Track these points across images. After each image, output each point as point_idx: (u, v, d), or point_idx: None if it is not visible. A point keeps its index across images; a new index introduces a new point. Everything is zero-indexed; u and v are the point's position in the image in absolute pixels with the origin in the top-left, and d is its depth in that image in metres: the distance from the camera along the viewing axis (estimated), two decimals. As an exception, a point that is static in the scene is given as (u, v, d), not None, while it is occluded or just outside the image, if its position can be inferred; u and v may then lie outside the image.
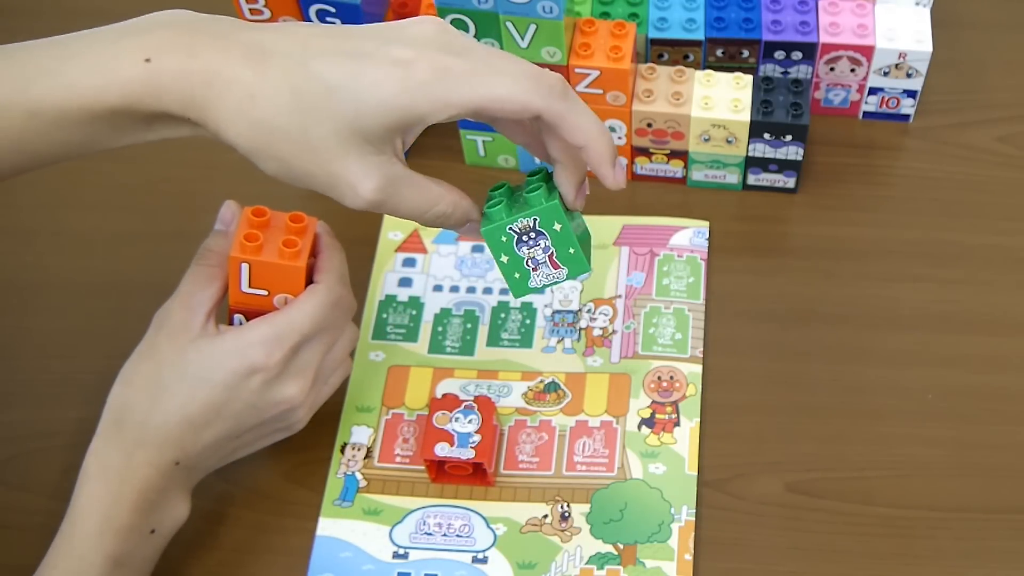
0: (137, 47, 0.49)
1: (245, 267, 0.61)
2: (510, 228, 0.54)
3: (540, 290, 0.57)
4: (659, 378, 0.72)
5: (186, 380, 0.59)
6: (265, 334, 0.60)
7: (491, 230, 0.56)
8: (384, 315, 0.75)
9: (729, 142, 0.77)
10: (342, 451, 0.70)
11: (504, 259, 0.56)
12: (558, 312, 0.75)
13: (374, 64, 0.49)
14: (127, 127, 0.52)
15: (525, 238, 0.55)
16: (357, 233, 0.79)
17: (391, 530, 0.68)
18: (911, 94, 0.81)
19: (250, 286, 0.61)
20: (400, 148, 0.54)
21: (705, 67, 0.81)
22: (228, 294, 0.63)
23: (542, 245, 0.55)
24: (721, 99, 0.75)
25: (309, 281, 0.63)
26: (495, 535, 0.67)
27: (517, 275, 0.57)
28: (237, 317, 0.63)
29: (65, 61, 0.51)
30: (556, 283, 0.57)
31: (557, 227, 0.55)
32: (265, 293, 0.62)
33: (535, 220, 0.54)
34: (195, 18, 0.52)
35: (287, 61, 0.49)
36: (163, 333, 0.60)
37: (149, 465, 0.59)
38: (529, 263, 0.56)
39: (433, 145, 0.83)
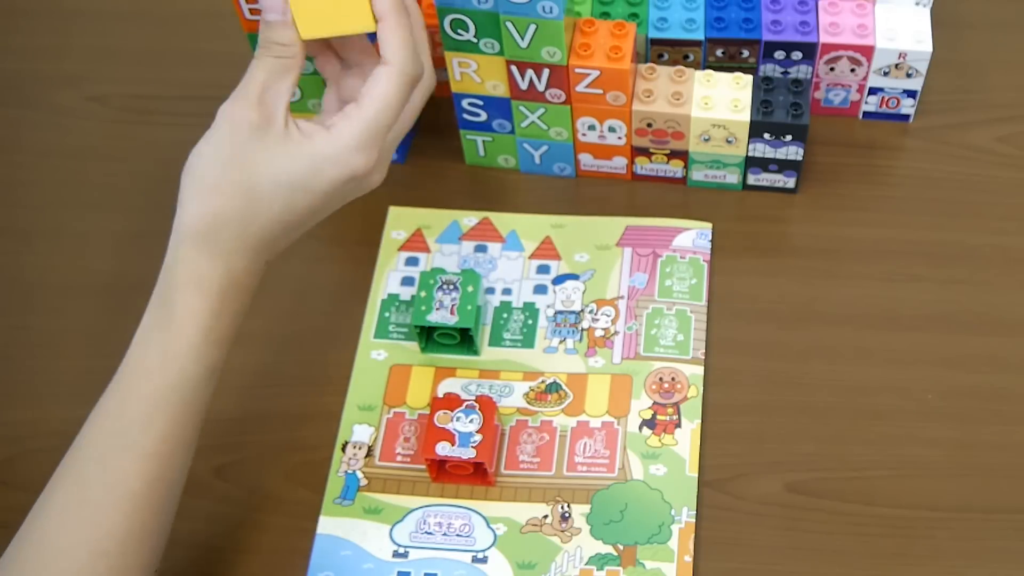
0: None
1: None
2: (440, 277, 0.72)
3: (431, 324, 0.71)
4: (660, 379, 0.72)
5: (282, 188, 0.57)
6: (361, 138, 0.57)
7: (428, 273, 0.73)
8: (386, 314, 0.76)
9: (729, 142, 0.77)
10: (343, 449, 0.71)
11: (423, 294, 0.72)
12: (560, 313, 0.75)
13: None
14: None
15: (446, 287, 0.72)
16: (359, 233, 0.80)
17: (391, 529, 0.68)
18: (911, 94, 0.81)
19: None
20: None
21: (705, 67, 0.81)
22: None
23: (451, 296, 0.71)
24: (721, 99, 0.75)
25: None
26: (495, 535, 0.67)
27: (423, 308, 0.71)
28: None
29: None
30: (445, 325, 0.71)
31: (470, 289, 0.72)
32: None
33: (459, 279, 0.72)
34: None
35: None
36: (242, 134, 0.57)
37: (247, 273, 0.59)
38: (436, 304, 0.71)
39: (433, 145, 0.84)
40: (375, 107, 0.58)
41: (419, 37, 0.62)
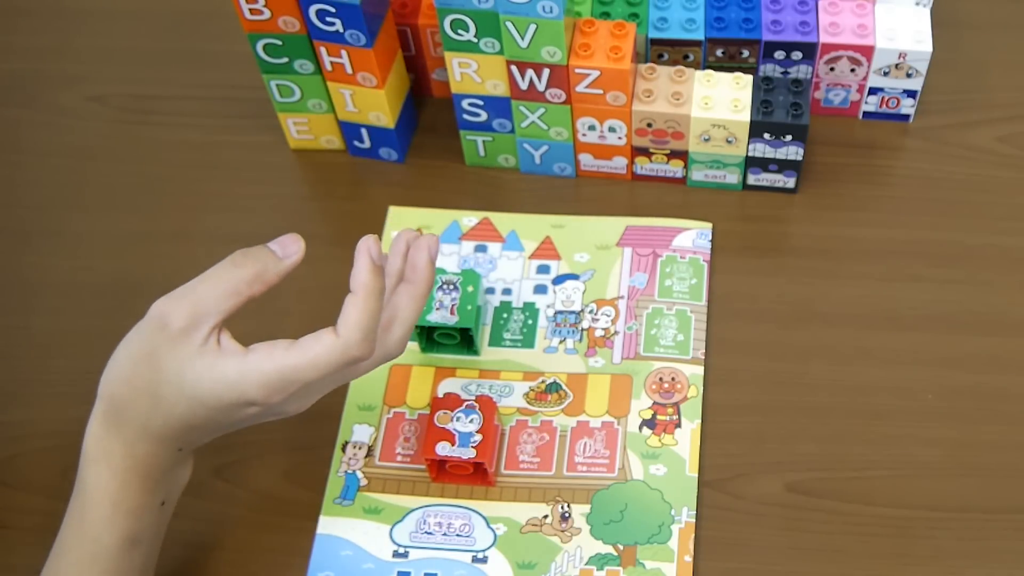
0: None
1: None
2: (440, 277, 0.72)
3: (431, 323, 0.71)
4: (660, 379, 0.72)
5: (184, 396, 0.58)
6: (268, 378, 0.56)
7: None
8: (385, 315, 0.76)
9: (729, 142, 0.77)
10: (343, 449, 0.71)
11: None
12: (560, 313, 0.75)
13: None
14: None
15: (446, 287, 0.72)
16: (359, 233, 0.79)
17: (391, 529, 0.68)
18: (911, 94, 0.81)
19: None
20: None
21: (705, 67, 0.81)
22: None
23: (451, 296, 0.72)
24: (721, 99, 0.75)
25: None
26: (495, 535, 0.67)
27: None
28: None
29: None
30: (445, 325, 0.71)
31: (470, 289, 0.72)
32: None
33: (459, 279, 0.72)
34: None
35: None
36: (162, 336, 0.58)
37: (152, 455, 0.59)
38: (436, 304, 0.71)
39: (433, 145, 0.84)
40: (299, 363, 0.57)
41: (406, 313, 0.61)
